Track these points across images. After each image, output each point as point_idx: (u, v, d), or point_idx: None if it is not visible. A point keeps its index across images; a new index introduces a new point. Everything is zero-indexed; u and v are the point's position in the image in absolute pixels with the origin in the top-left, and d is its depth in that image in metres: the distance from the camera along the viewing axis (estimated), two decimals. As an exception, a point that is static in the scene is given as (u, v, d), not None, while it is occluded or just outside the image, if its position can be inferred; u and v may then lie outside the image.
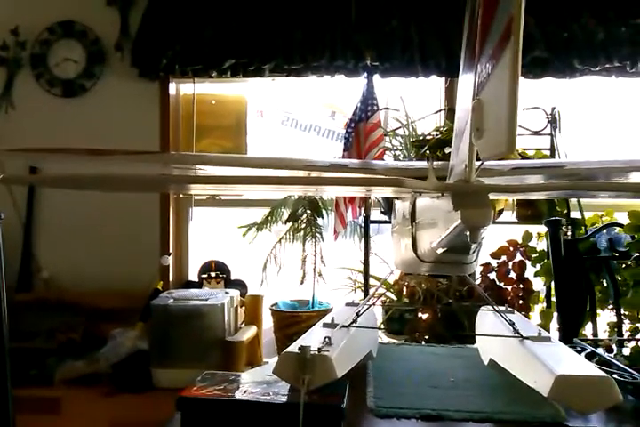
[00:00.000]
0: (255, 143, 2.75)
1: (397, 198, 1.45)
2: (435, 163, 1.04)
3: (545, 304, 2.14)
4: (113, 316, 2.36)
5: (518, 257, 2.17)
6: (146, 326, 2.23)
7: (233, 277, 2.57)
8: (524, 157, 2.08)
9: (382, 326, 2.19)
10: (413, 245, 1.16)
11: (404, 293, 2.29)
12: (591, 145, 2.49)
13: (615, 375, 1.18)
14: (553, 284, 1.96)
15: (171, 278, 2.65)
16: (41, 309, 2.44)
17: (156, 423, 1.27)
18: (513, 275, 2.17)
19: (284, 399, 1.09)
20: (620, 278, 1.86)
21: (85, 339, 2.36)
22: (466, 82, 0.87)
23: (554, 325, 1.96)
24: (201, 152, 2.67)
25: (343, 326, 1.30)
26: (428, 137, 2.12)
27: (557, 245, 1.83)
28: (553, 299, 2.06)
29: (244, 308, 2.35)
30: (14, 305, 2.00)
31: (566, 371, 0.98)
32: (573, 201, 2.13)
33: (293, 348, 1.10)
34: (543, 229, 2.03)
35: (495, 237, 2.19)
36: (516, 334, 1.26)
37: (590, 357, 1.38)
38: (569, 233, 2.06)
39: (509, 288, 2.17)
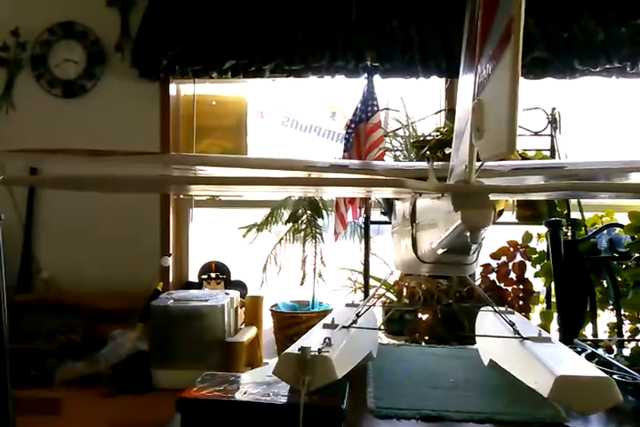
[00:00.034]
0: (255, 144, 2.75)
1: (397, 199, 1.45)
2: (435, 163, 1.04)
3: (545, 305, 2.14)
4: (113, 317, 2.36)
5: (518, 258, 2.17)
6: (146, 326, 2.23)
7: (233, 277, 2.57)
8: (524, 157, 2.08)
9: (382, 327, 2.19)
10: (413, 245, 1.16)
11: (404, 293, 2.28)
12: (591, 146, 2.49)
13: (615, 376, 1.18)
14: (553, 284, 1.95)
15: (171, 279, 2.65)
16: (41, 310, 2.44)
17: (156, 424, 1.27)
18: (513, 275, 2.16)
19: (284, 400, 1.09)
20: (620, 279, 1.86)
21: (85, 340, 2.36)
22: (466, 82, 0.87)
23: (554, 325, 1.96)
24: (201, 153, 2.67)
25: (343, 327, 1.30)
26: (429, 138, 2.12)
27: (557, 245, 1.83)
28: (553, 300, 2.06)
29: (243, 309, 2.35)
30: (14, 306, 2.00)
31: (566, 372, 0.98)
32: (573, 202, 2.13)
33: (293, 349, 1.10)
34: (543, 229, 2.03)
35: (495, 237, 2.19)
36: (517, 335, 1.26)
37: (590, 357, 1.38)
38: (569, 234, 2.06)
39: (509, 289, 2.17)
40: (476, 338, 1.60)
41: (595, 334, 1.85)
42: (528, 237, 2.17)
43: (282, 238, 2.42)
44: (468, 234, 0.81)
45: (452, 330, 2.02)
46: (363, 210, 2.11)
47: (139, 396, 2.01)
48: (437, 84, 2.55)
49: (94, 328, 2.38)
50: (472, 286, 1.94)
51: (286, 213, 2.42)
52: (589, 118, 2.55)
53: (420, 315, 2.20)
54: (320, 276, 2.38)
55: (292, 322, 2.30)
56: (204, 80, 2.62)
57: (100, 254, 2.61)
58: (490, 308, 1.51)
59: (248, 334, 2.21)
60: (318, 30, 2.42)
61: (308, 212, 2.40)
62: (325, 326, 1.32)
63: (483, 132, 0.73)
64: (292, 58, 2.43)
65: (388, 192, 1.38)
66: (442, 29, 2.37)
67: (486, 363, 1.41)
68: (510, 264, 2.17)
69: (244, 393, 1.13)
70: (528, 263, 2.15)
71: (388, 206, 1.74)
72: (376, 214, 2.18)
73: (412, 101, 2.39)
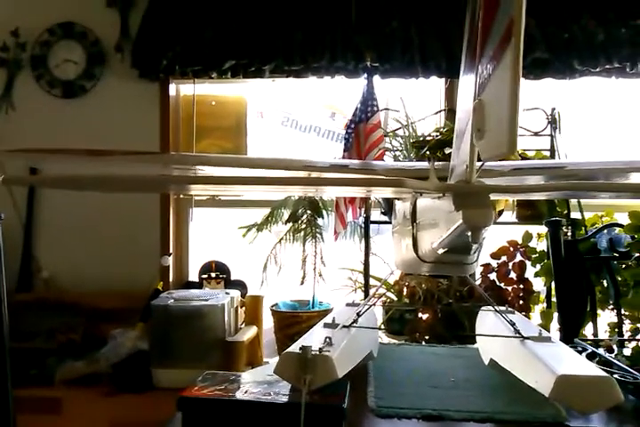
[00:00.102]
0: (255, 144, 2.75)
1: (398, 199, 1.45)
2: (435, 163, 1.04)
3: (545, 305, 2.14)
4: (113, 316, 2.36)
5: (518, 257, 2.17)
6: (146, 326, 2.23)
7: (233, 277, 2.57)
8: (523, 157, 2.08)
9: (383, 327, 2.19)
10: (414, 245, 1.16)
11: (405, 293, 2.29)
12: (591, 146, 2.49)
13: (616, 375, 1.18)
14: (553, 284, 1.96)
15: (171, 279, 2.65)
16: (41, 309, 2.44)
17: (156, 423, 1.27)
18: (513, 275, 2.17)
19: (285, 399, 1.09)
20: (620, 279, 1.87)
21: (85, 339, 2.36)
22: (467, 83, 0.87)
23: (554, 325, 1.96)
24: (201, 153, 2.67)
25: (344, 327, 1.31)
26: (428, 138, 2.12)
27: (558, 245, 1.83)
28: (553, 299, 2.07)
29: (244, 308, 2.35)
30: (14, 305, 2.00)
31: (567, 371, 0.99)
32: (573, 201, 2.13)
33: (294, 348, 1.10)
34: (543, 229, 2.03)
35: (495, 237, 2.20)
36: (517, 335, 1.26)
37: (591, 357, 1.38)
38: (569, 233, 2.06)
39: (509, 289, 2.17)
40: (477, 337, 1.60)
41: (595, 334, 1.85)
42: (528, 236, 2.17)
43: (282, 238, 2.42)
44: (469, 234, 0.82)
45: (453, 329, 2.02)
46: (363, 210, 2.11)
47: (139, 395, 2.01)
48: (437, 84, 2.55)
49: (94, 328, 2.38)
50: (472, 286, 1.94)
51: (286, 213, 2.42)
52: (589, 119, 2.56)
53: (420, 314, 2.20)
54: (320, 275, 2.39)
55: (293, 321, 2.30)
56: (203, 80, 2.62)
57: (101, 254, 2.61)
58: (490, 307, 1.51)
59: (248, 334, 2.21)
60: (318, 31, 2.42)
61: (308, 211, 2.40)
62: (326, 325, 1.32)
63: (483, 132, 0.73)
64: (292, 58, 2.43)
65: (388, 192, 1.39)
66: (441, 30, 2.38)
67: (487, 362, 1.42)
68: (510, 264, 2.17)
69: (245, 392, 1.13)
70: (528, 263, 2.15)
71: (388, 206, 1.74)
72: (376, 214, 2.18)
73: (411, 102, 2.39)
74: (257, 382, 1.18)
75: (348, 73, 2.45)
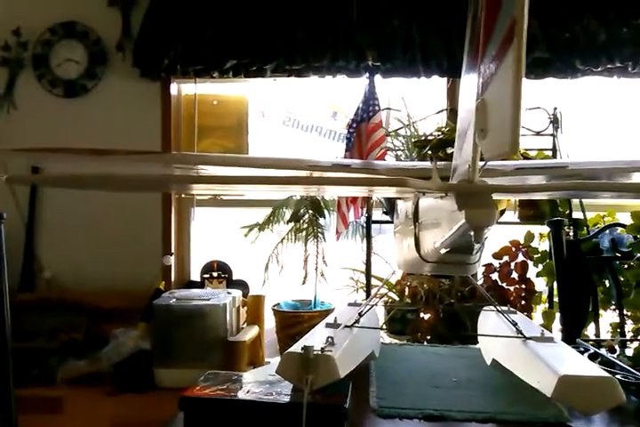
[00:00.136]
0: (256, 143, 2.75)
1: (399, 198, 1.45)
2: (437, 163, 1.04)
3: (547, 305, 2.14)
4: (115, 315, 2.36)
5: (520, 257, 2.17)
6: (148, 325, 2.23)
7: (235, 277, 2.57)
8: (525, 157, 2.08)
9: (384, 327, 2.19)
10: (416, 245, 1.16)
11: (406, 293, 2.29)
12: (593, 145, 2.49)
13: (618, 376, 1.18)
14: (555, 284, 1.96)
15: (173, 278, 2.65)
16: (43, 308, 2.44)
17: (158, 423, 1.27)
18: (515, 275, 2.16)
19: (286, 399, 1.09)
20: (622, 279, 1.86)
21: (87, 339, 2.36)
22: (469, 82, 0.87)
23: (556, 325, 1.96)
24: (202, 152, 2.68)
25: (346, 327, 1.30)
26: (430, 137, 2.12)
27: (560, 245, 1.83)
28: (555, 299, 2.06)
29: (245, 308, 2.35)
30: (16, 305, 2.01)
31: (570, 371, 0.98)
32: (575, 201, 2.13)
33: (296, 348, 1.10)
34: (545, 229, 2.03)
35: (497, 237, 2.19)
36: (519, 335, 1.26)
37: (593, 357, 1.38)
38: (571, 233, 2.06)
39: (511, 289, 2.16)
40: (479, 338, 1.59)
41: (597, 334, 1.85)
42: (530, 236, 2.17)
43: (284, 238, 2.42)
44: (472, 233, 0.81)
45: (455, 330, 2.02)
46: (364, 209, 2.11)
47: (141, 395, 2.01)
48: (439, 83, 2.55)
49: (96, 327, 2.39)
50: (474, 286, 1.94)
51: (288, 213, 2.42)
52: (591, 118, 2.55)
53: (422, 314, 2.20)
54: (322, 275, 2.39)
55: (294, 321, 2.30)
56: (205, 80, 2.62)
57: (103, 253, 2.62)
58: (492, 307, 1.51)
59: (250, 334, 2.21)
60: (319, 30, 2.42)
61: (310, 211, 2.40)
62: (328, 325, 1.32)
63: (486, 131, 0.73)
64: (294, 57, 2.43)
65: (390, 192, 1.38)
66: (443, 29, 2.37)
67: (489, 362, 1.41)
68: (512, 264, 2.17)
69: (247, 392, 1.13)
70: (530, 263, 2.15)
71: (390, 206, 1.74)
72: (378, 214, 2.18)
73: (413, 101, 2.39)
74: (259, 382, 1.18)
75: (350, 72, 2.44)
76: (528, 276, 2.15)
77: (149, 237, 2.62)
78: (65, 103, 2.68)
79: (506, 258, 2.18)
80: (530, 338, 1.23)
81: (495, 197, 0.87)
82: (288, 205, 2.42)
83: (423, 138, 2.15)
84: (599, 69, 2.35)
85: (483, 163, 0.80)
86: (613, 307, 1.89)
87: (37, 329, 2.35)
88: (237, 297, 2.26)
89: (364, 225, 2.22)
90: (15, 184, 2.26)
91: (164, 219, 2.65)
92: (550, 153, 2.23)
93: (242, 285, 2.52)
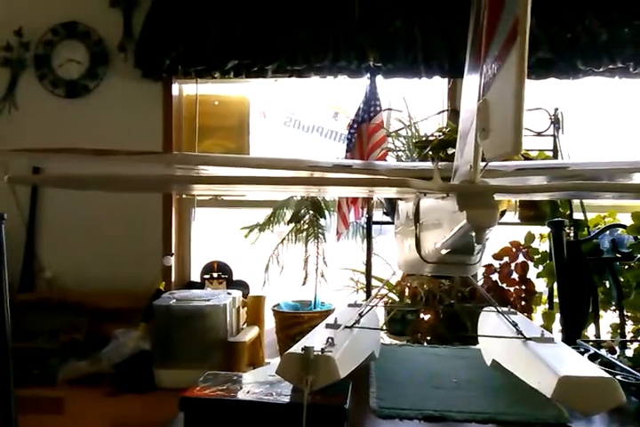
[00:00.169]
0: (258, 144, 2.75)
1: (400, 199, 1.45)
2: (438, 164, 1.03)
3: (547, 305, 2.14)
4: (116, 316, 2.36)
5: (521, 258, 2.17)
6: (148, 326, 2.23)
7: (235, 277, 2.57)
8: (526, 157, 2.08)
9: (384, 327, 2.19)
10: (417, 245, 1.16)
11: (407, 294, 2.28)
12: (594, 146, 2.49)
13: (618, 377, 1.18)
14: (555, 285, 1.95)
15: (173, 279, 2.65)
16: (44, 309, 2.44)
17: (158, 423, 1.27)
18: (515, 276, 2.16)
19: (286, 400, 1.09)
20: (622, 280, 1.86)
21: (88, 339, 2.36)
22: (471, 82, 0.87)
23: (556, 326, 1.96)
24: (203, 153, 2.68)
25: (346, 327, 1.30)
26: (431, 138, 2.12)
27: (560, 246, 1.83)
28: (555, 300, 2.06)
29: (246, 308, 2.35)
30: (17, 305, 2.01)
31: (570, 372, 0.98)
32: (576, 202, 2.13)
33: (296, 348, 1.09)
34: (546, 230, 2.03)
35: (498, 238, 2.19)
36: (519, 335, 1.26)
37: (593, 358, 1.38)
38: (572, 234, 2.06)
39: (512, 289, 2.16)
40: (479, 338, 1.59)
41: (597, 335, 1.85)
42: (530, 237, 2.17)
43: (284, 238, 2.42)
44: (474, 234, 0.81)
45: (455, 330, 2.02)
46: (365, 210, 2.11)
47: (141, 395, 2.01)
48: (440, 84, 2.55)
49: (97, 327, 2.39)
50: (475, 287, 1.94)
51: (288, 213, 2.42)
52: (592, 119, 2.55)
53: (422, 315, 2.20)
54: (322, 276, 2.39)
55: (294, 322, 2.30)
56: (206, 80, 2.62)
57: (103, 254, 2.62)
58: (492, 308, 1.50)
59: (250, 334, 2.21)
60: (321, 30, 2.42)
61: (311, 212, 2.40)
62: (328, 325, 1.32)
63: (488, 132, 0.73)
64: (295, 58, 2.43)
65: (391, 192, 1.38)
66: (445, 29, 2.38)
67: (489, 363, 1.41)
68: (513, 265, 2.17)
69: (247, 393, 1.13)
70: (530, 264, 2.15)
71: (391, 207, 1.74)
72: (378, 214, 2.18)
73: (414, 102, 2.39)
74: (259, 383, 1.18)
75: (351, 73, 2.45)
76: (528, 276, 2.15)
77: (150, 237, 2.63)
78: (66, 103, 2.68)
79: (506, 259, 2.18)
80: (530, 339, 1.23)
81: (496, 197, 0.87)
82: (288, 205, 2.42)
83: (424, 138, 2.15)
84: (601, 70, 2.35)
85: (484, 163, 0.80)
86: (613, 308, 1.88)
87: (38, 329, 2.35)
88: (237, 298, 2.26)
89: (365, 226, 2.22)
90: (16, 184, 2.26)
91: (165, 219, 2.65)
92: (551, 154, 2.23)
93: (242, 285, 2.52)
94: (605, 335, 1.86)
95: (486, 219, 0.79)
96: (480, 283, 2.17)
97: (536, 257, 2.12)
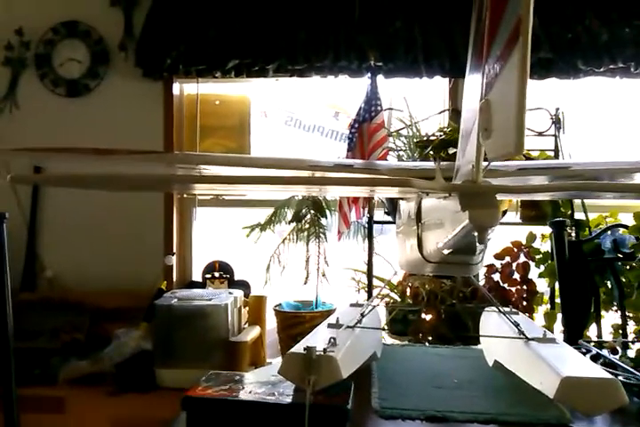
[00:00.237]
0: (258, 143, 2.75)
1: (402, 199, 1.45)
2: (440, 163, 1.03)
3: (549, 306, 2.13)
4: (117, 315, 2.36)
5: (522, 258, 2.16)
6: (150, 325, 2.23)
7: (236, 277, 2.56)
8: (527, 157, 2.07)
9: (386, 327, 2.19)
10: (419, 245, 1.16)
11: (408, 293, 2.28)
12: (595, 146, 2.49)
13: (620, 377, 1.18)
14: (557, 285, 1.95)
15: (174, 278, 2.65)
16: (45, 308, 2.44)
17: (159, 423, 1.28)
18: (517, 276, 2.16)
19: (289, 400, 1.09)
20: (624, 280, 1.86)
21: (89, 339, 2.36)
22: (473, 82, 0.87)
23: (558, 326, 1.95)
24: (204, 152, 2.68)
25: (348, 327, 1.30)
26: (432, 138, 2.11)
27: (562, 246, 1.83)
28: (557, 300, 2.05)
29: (247, 308, 2.35)
30: (18, 305, 2.01)
31: (572, 373, 0.98)
32: (577, 202, 2.13)
33: (299, 348, 1.09)
34: (547, 230, 2.03)
35: (499, 238, 2.19)
36: (521, 336, 1.26)
37: (595, 358, 1.38)
38: (573, 234, 2.05)
39: (513, 289, 2.16)
40: (481, 338, 1.59)
41: (599, 335, 1.85)
42: (532, 237, 2.16)
43: (285, 238, 2.42)
44: (476, 234, 0.81)
45: (456, 330, 2.02)
46: (366, 210, 2.11)
47: (142, 395, 2.01)
48: (441, 84, 2.55)
49: (98, 327, 2.39)
50: (476, 287, 1.94)
51: (290, 213, 2.42)
52: (593, 119, 2.55)
53: (423, 315, 2.20)
54: (324, 275, 2.38)
55: (296, 322, 2.29)
56: (207, 80, 2.62)
57: (104, 253, 2.62)
58: (494, 308, 1.50)
59: (252, 334, 2.21)
60: (322, 30, 2.42)
61: (312, 211, 2.40)
62: (330, 325, 1.32)
63: (490, 131, 0.72)
64: (296, 58, 2.43)
65: (393, 192, 1.38)
66: (445, 29, 2.37)
67: (491, 363, 1.41)
68: (514, 265, 2.16)
69: (250, 392, 1.13)
70: (532, 264, 2.14)
71: (392, 206, 1.74)
72: (379, 214, 2.18)
73: (415, 101, 2.39)
74: (261, 383, 1.18)
75: (352, 72, 2.44)
76: (530, 277, 2.15)
77: (151, 237, 2.62)
78: (67, 103, 2.68)
79: (508, 259, 2.17)
80: (532, 339, 1.22)
81: (498, 197, 0.87)
82: (290, 205, 2.42)
83: (425, 138, 2.15)
84: (601, 70, 2.34)
85: (486, 163, 0.80)
86: (615, 308, 1.88)
87: (39, 329, 2.35)
88: (239, 297, 2.26)
89: (366, 225, 2.22)
90: (17, 184, 2.25)
91: (166, 219, 2.65)
92: (552, 154, 2.22)
93: (243, 285, 2.52)
94: (607, 336, 1.85)
95: (488, 219, 0.79)
96: (482, 283, 2.17)
97: (537, 257, 2.12)
